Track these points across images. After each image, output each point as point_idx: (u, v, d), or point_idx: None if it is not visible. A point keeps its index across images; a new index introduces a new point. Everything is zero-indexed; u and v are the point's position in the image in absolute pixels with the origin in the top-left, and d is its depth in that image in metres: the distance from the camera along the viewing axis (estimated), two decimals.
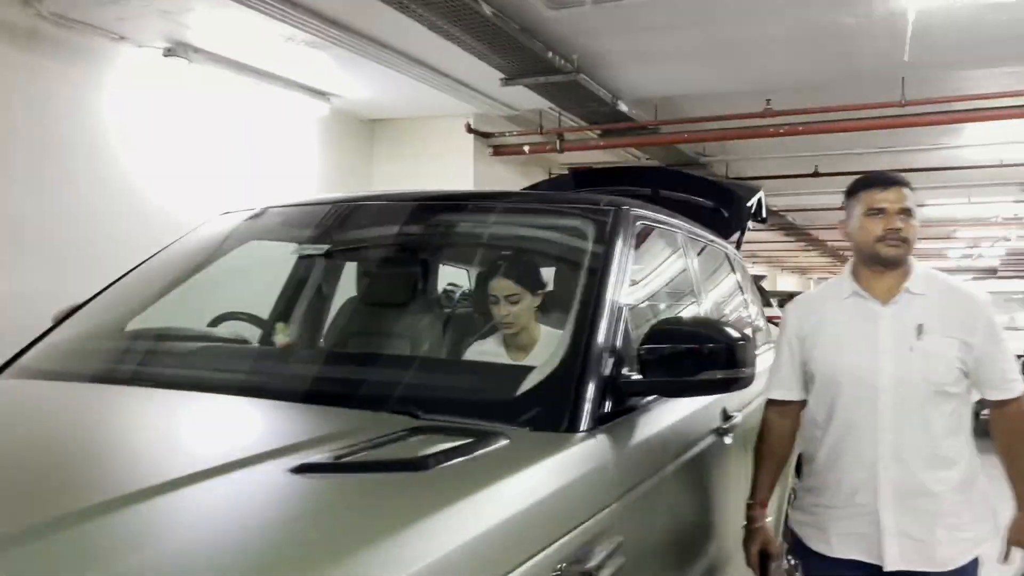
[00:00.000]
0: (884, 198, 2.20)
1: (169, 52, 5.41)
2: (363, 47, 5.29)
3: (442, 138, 7.44)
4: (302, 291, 3.47)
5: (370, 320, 3.07)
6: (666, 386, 2.04)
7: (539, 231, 2.84)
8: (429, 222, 2.94)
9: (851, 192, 2.30)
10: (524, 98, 6.43)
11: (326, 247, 3.07)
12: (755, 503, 2.47)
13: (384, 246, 3.07)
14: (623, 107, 6.56)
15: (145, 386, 2.16)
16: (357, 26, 5.09)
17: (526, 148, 7.56)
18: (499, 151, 7.69)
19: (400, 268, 3.01)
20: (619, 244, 2.28)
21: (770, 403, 2.46)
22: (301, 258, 3.35)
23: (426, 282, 3.16)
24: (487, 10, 4.55)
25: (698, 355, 1.94)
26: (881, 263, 2.20)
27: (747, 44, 5.26)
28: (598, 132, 7.34)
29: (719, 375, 1.94)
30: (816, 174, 9.22)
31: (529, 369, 2.08)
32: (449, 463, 1.47)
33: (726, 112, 6.68)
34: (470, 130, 7.35)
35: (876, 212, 2.19)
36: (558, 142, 7.37)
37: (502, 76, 5.69)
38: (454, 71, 6.01)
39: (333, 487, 1.41)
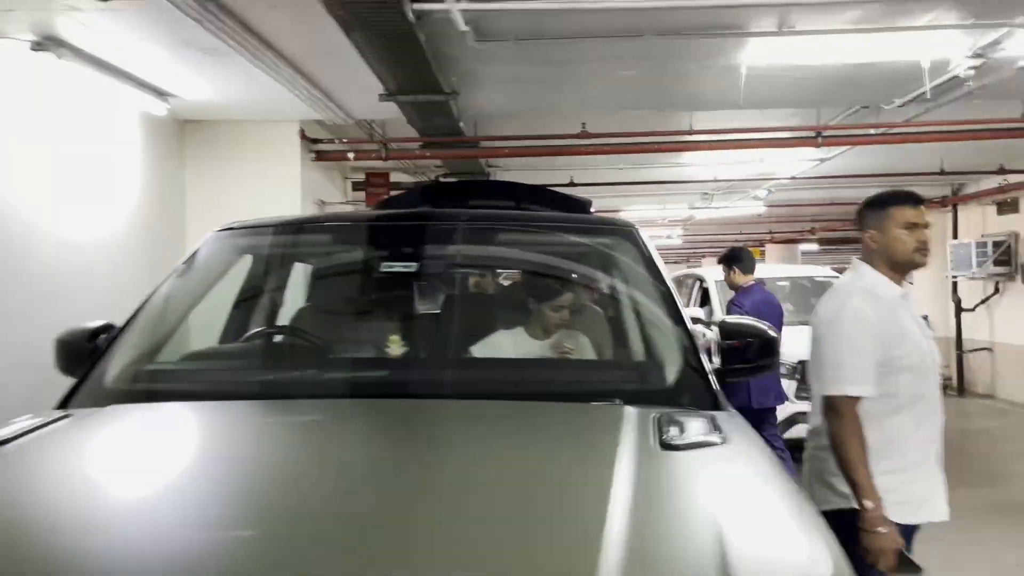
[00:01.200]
0: (916, 215, 2.65)
1: (38, 46, 4.92)
2: (262, 53, 5.29)
3: (269, 143, 7.37)
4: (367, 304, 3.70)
5: (453, 327, 3.42)
6: (739, 371, 2.68)
7: (591, 248, 3.43)
8: (498, 241, 3.42)
9: (882, 205, 2.71)
10: (377, 109, 6.74)
11: (415, 264, 3.39)
12: (876, 503, 2.53)
13: (457, 264, 3.44)
14: (462, 124, 7.14)
15: (380, 398, 2.40)
16: (264, 32, 5.11)
17: (351, 155, 7.78)
18: (322, 157, 7.81)
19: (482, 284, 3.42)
20: (658, 257, 3.00)
21: (850, 401, 2.62)
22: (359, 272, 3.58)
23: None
24: (421, 36, 4.90)
25: (747, 347, 2.69)
26: (912, 269, 2.74)
27: (602, 77, 6.17)
28: (420, 143, 7.82)
29: (768, 361, 2.74)
30: (571, 183, 10.52)
31: (659, 364, 2.71)
32: (730, 438, 1.97)
33: (541, 130, 7.61)
34: (304, 137, 7.40)
35: (911, 227, 2.65)
36: (384, 151, 7.72)
37: (383, 92, 5.98)
38: (326, 80, 6.15)
39: (699, 457, 1.87)
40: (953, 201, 13.39)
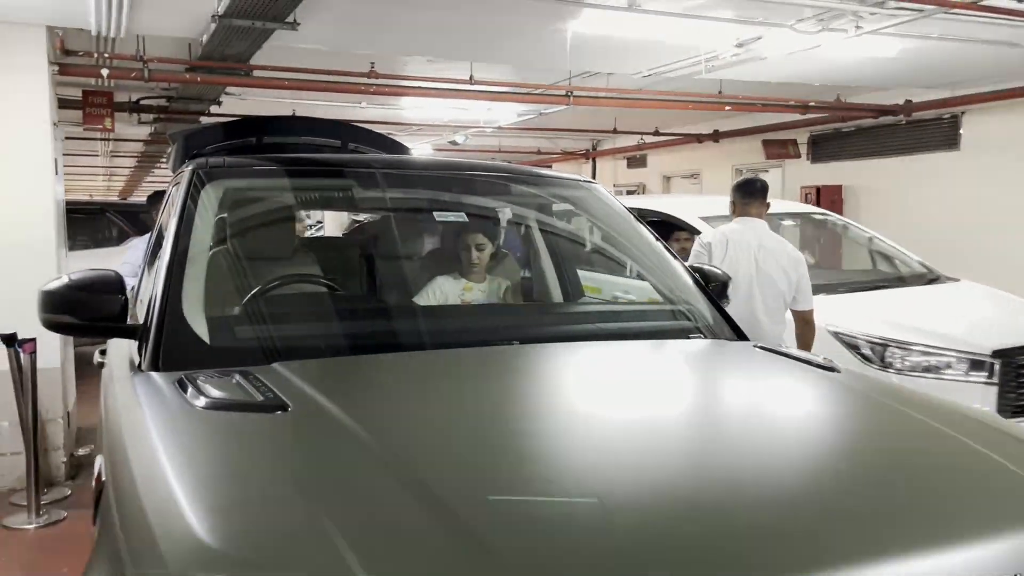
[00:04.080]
0: None
1: None
2: None
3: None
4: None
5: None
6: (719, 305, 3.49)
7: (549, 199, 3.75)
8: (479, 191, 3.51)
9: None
10: (161, 26, 5.99)
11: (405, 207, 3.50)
12: None
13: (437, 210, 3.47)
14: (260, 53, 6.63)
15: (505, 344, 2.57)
16: None
17: (105, 72, 6.71)
18: (65, 71, 6.60)
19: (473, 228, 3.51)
20: None
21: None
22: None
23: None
24: None
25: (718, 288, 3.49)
26: None
27: (440, 24, 6.26)
28: (188, 67, 7.03)
29: (727, 300, 3.55)
30: (293, 116, 10.15)
31: (697, 303, 3.31)
32: (833, 364, 2.61)
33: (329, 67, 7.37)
34: (63, 48, 6.20)
35: None
36: (146, 70, 6.81)
37: (219, 13, 5.37)
38: None
39: (859, 376, 2.66)
40: (593, 155, 15.49)
